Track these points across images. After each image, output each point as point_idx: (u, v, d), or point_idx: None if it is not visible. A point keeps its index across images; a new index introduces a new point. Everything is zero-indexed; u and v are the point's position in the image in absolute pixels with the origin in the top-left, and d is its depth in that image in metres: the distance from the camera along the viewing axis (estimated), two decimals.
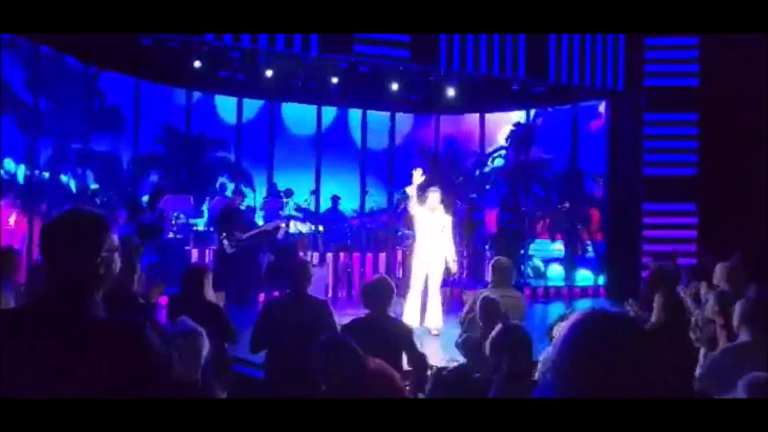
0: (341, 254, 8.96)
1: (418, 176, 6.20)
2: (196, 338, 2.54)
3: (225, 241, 7.49)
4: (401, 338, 3.55)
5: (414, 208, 6.18)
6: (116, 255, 1.46)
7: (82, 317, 1.34)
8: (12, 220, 7.14)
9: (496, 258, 4.88)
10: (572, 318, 1.13)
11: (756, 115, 8.04)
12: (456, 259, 6.28)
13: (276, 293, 6.91)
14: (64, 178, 8.26)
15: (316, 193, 10.35)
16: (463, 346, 3.80)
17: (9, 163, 7.16)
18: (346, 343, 2.70)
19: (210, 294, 3.97)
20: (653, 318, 4.01)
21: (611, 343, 1.07)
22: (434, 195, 6.19)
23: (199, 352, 2.52)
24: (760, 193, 7.78)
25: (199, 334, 2.55)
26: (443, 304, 6.38)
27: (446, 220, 6.27)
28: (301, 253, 8.64)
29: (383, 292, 3.62)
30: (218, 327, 3.86)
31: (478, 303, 3.84)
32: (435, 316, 6.19)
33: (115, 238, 1.47)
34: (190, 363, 2.45)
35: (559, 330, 1.17)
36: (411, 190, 6.23)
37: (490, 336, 2.81)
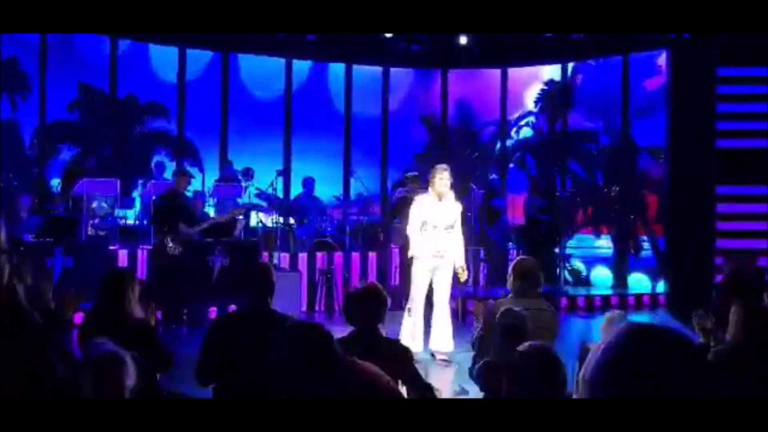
0: (318, 254, 8.94)
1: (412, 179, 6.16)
2: (116, 365, 2.50)
3: (165, 239, 7.45)
4: (398, 364, 3.53)
5: (415, 193, 6.14)
6: (3, 258, 1.41)
7: None
8: None
9: (519, 258, 4.84)
10: (612, 332, 1.15)
11: None
12: (465, 265, 6.21)
13: (232, 307, 6.88)
14: None
15: (284, 174, 10.31)
16: (479, 374, 3.77)
17: None
18: (319, 326, 2.74)
19: (137, 308, 3.93)
20: (729, 335, 3.98)
21: (660, 366, 1.09)
22: (443, 175, 6.07)
23: (121, 381, 2.48)
24: None
25: (120, 360, 2.51)
26: (453, 321, 6.36)
27: (457, 212, 6.21)
28: (265, 254, 8.61)
29: (373, 304, 3.59)
30: (147, 351, 3.81)
31: (496, 318, 3.81)
32: (442, 337, 6.15)
33: (2, 234, 1.41)
34: (109, 396, 2.42)
35: (593, 347, 1.18)
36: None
37: (512, 360, 2.78)
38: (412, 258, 6.25)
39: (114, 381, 2.51)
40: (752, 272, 4.82)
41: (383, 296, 3.63)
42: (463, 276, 6.20)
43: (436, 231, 6.07)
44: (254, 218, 9.62)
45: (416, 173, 8.68)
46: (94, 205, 8.70)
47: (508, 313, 3.76)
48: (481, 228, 9.21)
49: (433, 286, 6.13)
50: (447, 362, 5.97)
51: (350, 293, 3.81)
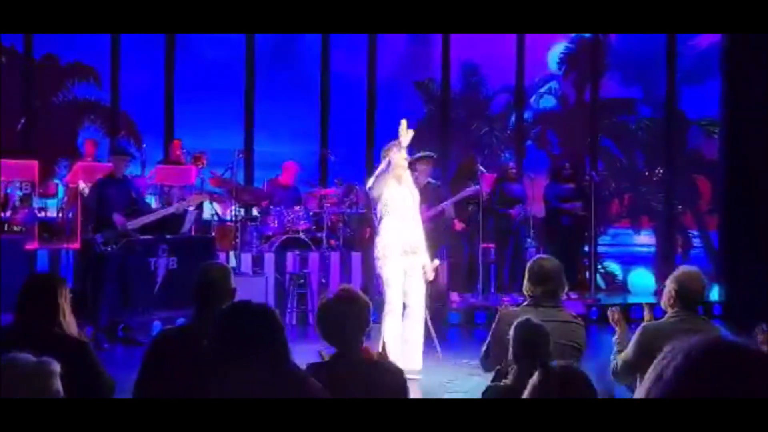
0: (289, 254, 8.97)
1: (405, 131, 6.24)
2: (41, 376, 2.53)
3: (97, 236, 7.48)
4: (392, 393, 3.55)
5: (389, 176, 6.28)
6: None
7: None
8: None
9: (537, 258, 4.88)
10: (677, 351, 1.21)
11: None
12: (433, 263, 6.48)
13: (180, 320, 6.90)
14: None
15: (245, 154, 10.34)
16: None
17: None
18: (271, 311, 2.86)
19: (72, 323, 3.94)
20: None
21: (737, 387, 1.16)
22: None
23: (58, 390, 2.52)
24: None
25: (46, 368, 2.54)
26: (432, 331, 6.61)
27: (417, 198, 6.52)
28: (222, 254, 8.62)
29: (353, 316, 3.60)
30: (86, 375, 3.83)
31: (511, 331, 3.84)
32: (412, 354, 6.29)
33: None
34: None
35: (655, 366, 1.23)
36: (397, 150, 6.28)
37: (530, 385, 2.80)
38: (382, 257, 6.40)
39: (47, 387, 2.53)
40: None
41: (365, 305, 3.64)
42: (431, 275, 6.42)
43: (410, 223, 6.32)
44: (208, 209, 9.63)
45: (429, 153, 8.74)
46: (7, 192, 8.71)
47: (526, 325, 3.78)
48: (496, 221, 9.25)
49: (405, 289, 6.26)
50: (414, 379, 6.08)
51: (324, 302, 3.82)
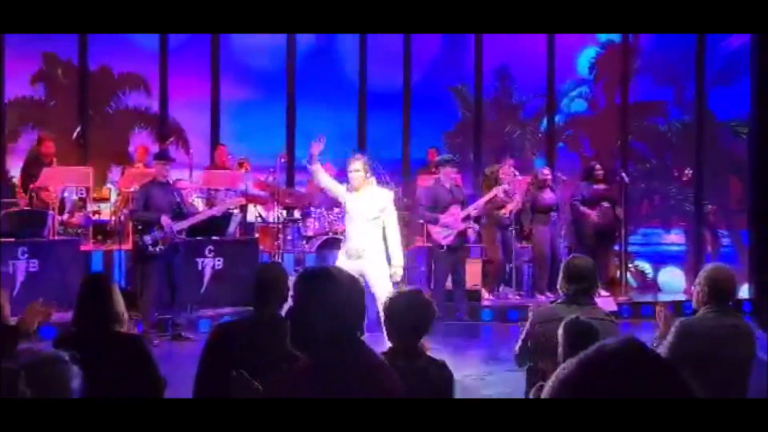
0: (328, 254, 8.98)
1: (315, 144, 6.63)
2: (58, 368, 2.57)
3: (145, 237, 7.54)
4: (438, 394, 3.56)
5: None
6: None
7: None
8: None
9: (572, 257, 4.86)
10: (583, 354, 1.13)
11: None
12: (401, 264, 6.58)
13: (225, 317, 6.97)
14: None
15: (287, 158, 10.40)
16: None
17: None
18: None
19: (123, 320, 4.01)
20: None
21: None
22: (352, 166, 6.56)
23: (66, 385, 2.56)
24: None
25: (61, 361, 2.59)
26: None
27: (383, 202, 6.60)
28: (265, 254, 8.68)
29: (418, 313, 3.61)
30: (139, 370, 3.90)
31: (560, 329, 3.81)
32: None
33: None
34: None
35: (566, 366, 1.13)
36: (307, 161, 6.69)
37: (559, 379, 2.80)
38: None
39: (56, 384, 2.58)
40: None
41: (429, 304, 3.67)
42: (397, 277, 6.50)
43: (353, 224, 6.56)
44: (252, 212, 9.69)
45: (451, 156, 8.71)
46: (63, 197, 8.78)
47: (576, 323, 3.74)
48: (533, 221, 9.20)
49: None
50: None
51: (390, 299, 3.83)
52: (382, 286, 6.20)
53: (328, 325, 2.54)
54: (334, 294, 2.58)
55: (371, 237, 6.44)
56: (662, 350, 4.19)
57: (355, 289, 2.63)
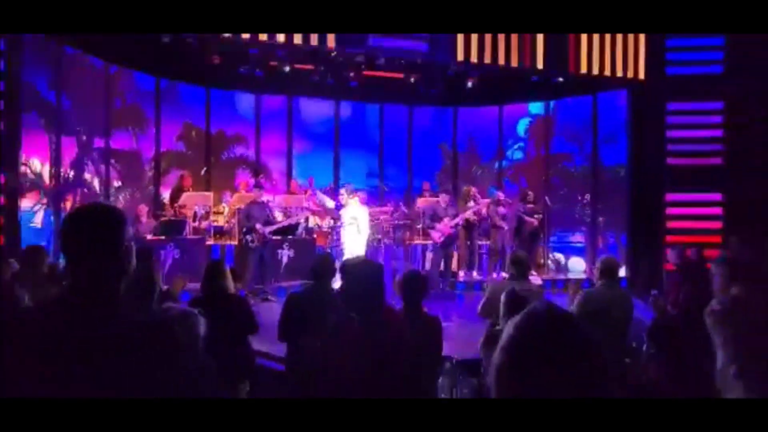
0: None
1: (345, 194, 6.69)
2: (191, 319, 2.51)
3: (246, 237, 7.56)
4: (435, 334, 3.47)
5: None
6: (133, 247, 1.48)
7: (111, 313, 1.33)
8: (38, 218, 7.30)
9: (515, 250, 4.86)
10: (518, 317, 1.03)
11: None
12: None
13: (295, 288, 6.98)
14: (87, 176, 8.41)
15: (334, 185, 10.40)
16: (487, 343, 3.73)
17: (35, 163, 7.30)
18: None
19: (233, 288, 4.02)
20: (677, 310, 3.93)
21: (554, 346, 0.95)
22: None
23: (196, 330, 2.50)
24: None
25: (194, 315, 2.54)
26: None
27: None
28: (324, 248, 8.68)
29: (417, 286, 3.57)
30: (243, 318, 3.90)
31: (502, 296, 3.77)
32: None
33: (130, 230, 1.48)
34: (189, 346, 2.41)
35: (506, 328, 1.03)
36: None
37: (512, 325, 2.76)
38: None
39: (192, 332, 2.51)
40: (697, 263, 4.74)
41: (427, 281, 3.64)
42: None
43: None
44: (312, 221, 9.72)
45: (448, 189, 8.70)
46: (195, 211, 8.87)
47: (512, 292, 3.64)
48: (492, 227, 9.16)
49: None
50: None
51: (404, 280, 3.75)
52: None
53: (367, 295, 2.55)
54: (368, 274, 2.58)
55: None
56: (572, 309, 4.18)
57: (380, 271, 2.63)
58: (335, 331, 2.63)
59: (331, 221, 9.39)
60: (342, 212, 6.71)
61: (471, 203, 8.72)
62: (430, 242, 8.48)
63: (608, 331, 3.84)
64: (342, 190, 6.71)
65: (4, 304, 3.06)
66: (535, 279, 7.94)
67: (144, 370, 1.26)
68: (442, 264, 8.33)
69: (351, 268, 2.63)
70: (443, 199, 8.41)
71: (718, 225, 8.60)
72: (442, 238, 8.16)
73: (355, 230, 6.67)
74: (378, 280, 2.59)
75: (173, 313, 2.57)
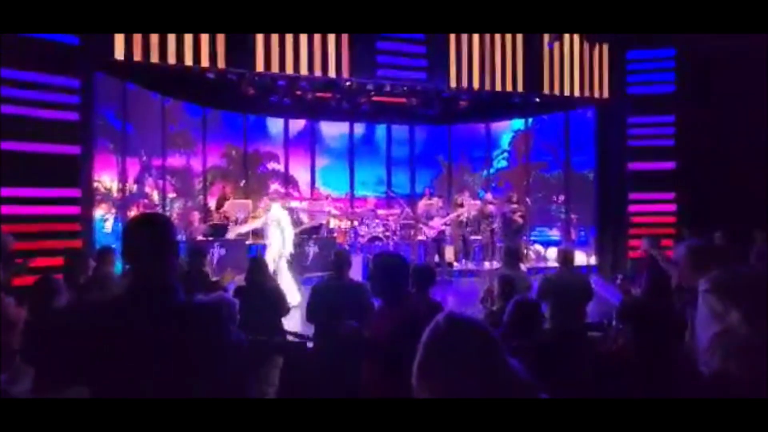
0: (374, 244, 8.94)
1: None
2: (230, 305, 2.54)
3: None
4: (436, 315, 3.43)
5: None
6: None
7: (174, 301, 1.37)
8: (109, 225, 7.40)
9: (507, 245, 4.85)
10: (433, 324, 0.99)
11: (727, 115, 7.83)
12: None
13: (318, 278, 6.96)
14: (148, 189, 8.50)
15: (350, 194, 10.39)
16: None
17: (105, 179, 7.42)
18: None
19: (272, 280, 4.03)
20: (640, 292, 3.89)
21: (464, 349, 0.93)
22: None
23: (234, 314, 2.52)
24: (733, 181, 7.57)
25: (232, 303, 2.56)
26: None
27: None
28: (344, 244, 8.66)
29: (425, 275, 3.51)
30: (279, 304, 3.93)
31: (495, 279, 3.77)
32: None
33: (178, 233, 1.50)
34: (226, 323, 2.38)
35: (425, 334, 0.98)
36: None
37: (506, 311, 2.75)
38: None
39: (228, 311, 2.53)
40: (656, 252, 4.69)
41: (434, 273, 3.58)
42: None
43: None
44: (332, 222, 9.72)
45: (441, 194, 8.58)
46: (237, 217, 8.88)
47: (506, 276, 3.63)
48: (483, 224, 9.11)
49: None
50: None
51: (417, 270, 3.62)
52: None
53: (392, 282, 2.52)
54: (392, 265, 2.55)
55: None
56: (538, 292, 4.09)
57: (403, 263, 2.59)
58: (373, 314, 2.65)
59: (349, 222, 9.39)
60: (267, 215, 6.75)
61: (459, 210, 8.77)
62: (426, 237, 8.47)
63: (567, 306, 3.85)
64: (266, 198, 6.75)
65: (83, 299, 3.10)
66: (522, 267, 7.90)
67: (196, 340, 1.32)
68: (437, 256, 8.32)
69: (379, 260, 2.62)
70: (437, 201, 8.47)
71: (672, 220, 8.55)
72: (434, 234, 8.21)
73: (278, 230, 6.73)
74: (402, 271, 2.59)
75: (215, 298, 2.60)
